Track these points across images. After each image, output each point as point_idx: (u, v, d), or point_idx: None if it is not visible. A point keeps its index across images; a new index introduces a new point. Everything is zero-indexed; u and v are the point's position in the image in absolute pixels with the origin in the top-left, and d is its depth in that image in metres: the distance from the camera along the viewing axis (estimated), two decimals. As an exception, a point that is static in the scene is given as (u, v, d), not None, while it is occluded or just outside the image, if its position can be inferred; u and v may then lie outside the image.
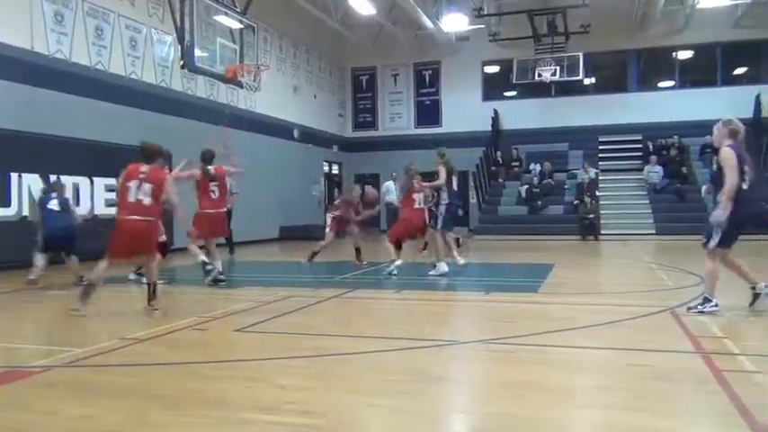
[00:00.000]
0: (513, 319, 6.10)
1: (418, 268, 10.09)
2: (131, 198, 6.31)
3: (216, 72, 12.83)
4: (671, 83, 22.65)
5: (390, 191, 19.23)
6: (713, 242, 5.99)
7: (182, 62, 12.03)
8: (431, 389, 3.86)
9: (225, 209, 8.93)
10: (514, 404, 3.49)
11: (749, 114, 20.26)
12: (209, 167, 8.58)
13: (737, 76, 22.14)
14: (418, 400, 3.60)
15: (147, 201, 6.29)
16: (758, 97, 20.24)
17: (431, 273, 9.35)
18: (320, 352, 4.68)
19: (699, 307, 5.97)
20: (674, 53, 22.33)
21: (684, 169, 19.83)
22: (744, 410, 3.25)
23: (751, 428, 3.03)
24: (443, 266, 9.36)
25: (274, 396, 3.66)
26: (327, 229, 11.35)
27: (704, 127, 20.28)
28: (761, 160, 19.39)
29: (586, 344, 4.97)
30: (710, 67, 22.08)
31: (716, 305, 5.93)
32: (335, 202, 12.14)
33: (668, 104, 21.55)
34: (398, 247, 9.73)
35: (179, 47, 12.21)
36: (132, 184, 6.32)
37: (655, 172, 19.83)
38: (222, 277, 8.47)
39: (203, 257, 8.47)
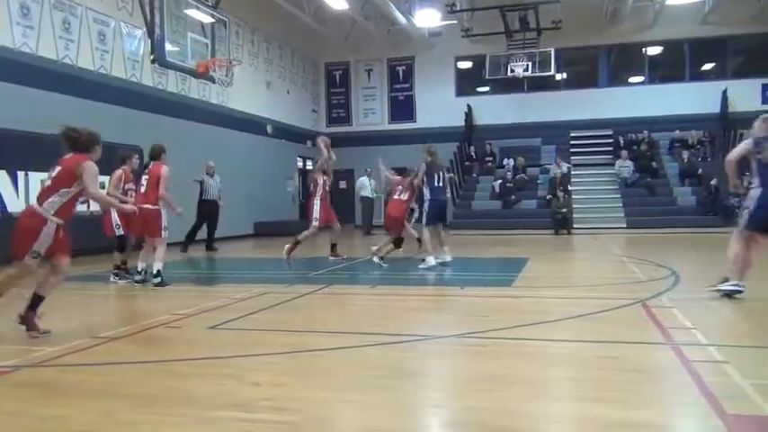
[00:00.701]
0: (488, 313, 6.13)
1: (394, 263, 10.09)
2: None
3: (187, 67, 12.69)
4: (641, 78, 22.95)
5: (365, 186, 19.27)
6: (741, 223, 6.39)
7: (152, 57, 11.87)
8: (405, 384, 3.86)
9: (153, 206, 8.10)
10: (488, 398, 3.51)
11: (716, 110, 20.69)
12: (151, 162, 8.31)
13: (705, 71, 22.52)
14: (393, 396, 3.60)
15: (40, 190, 5.40)
16: (725, 92, 20.63)
17: (420, 266, 9.51)
18: (295, 348, 4.66)
19: (718, 285, 6.30)
20: (643, 49, 22.62)
21: (654, 164, 20.14)
22: (713, 400, 3.30)
23: (720, 418, 3.08)
24: (431, 260, 9.53)
25: (248, 393, 3.64)
26: (316, 222, 10.97)
27: (673, 122, 20.89)
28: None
29: (560, 336, 5.01)
30: (679, 62, 22.43)
31: (736, 285, 6.20)
32: (314, 180, 11.39)
33: (638, 99, 21.85)
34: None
35: (149, 41, 12.05)
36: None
37: (626, 166, 20.10)
38: (138, 278, 8.24)
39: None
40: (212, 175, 14.07)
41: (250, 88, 19.33)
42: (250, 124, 19.35)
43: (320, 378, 3.96)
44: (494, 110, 22.95)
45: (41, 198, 5.16)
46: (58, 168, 5.23)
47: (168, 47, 11.93)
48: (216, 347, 4.93)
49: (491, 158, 21.95)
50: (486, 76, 20.81)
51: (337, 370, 4.15)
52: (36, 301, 5.20)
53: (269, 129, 20.62)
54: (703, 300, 6.50)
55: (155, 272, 8.06)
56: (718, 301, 6.26)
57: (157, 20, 11.44)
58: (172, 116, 15.29)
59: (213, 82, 13.90)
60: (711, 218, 17.32)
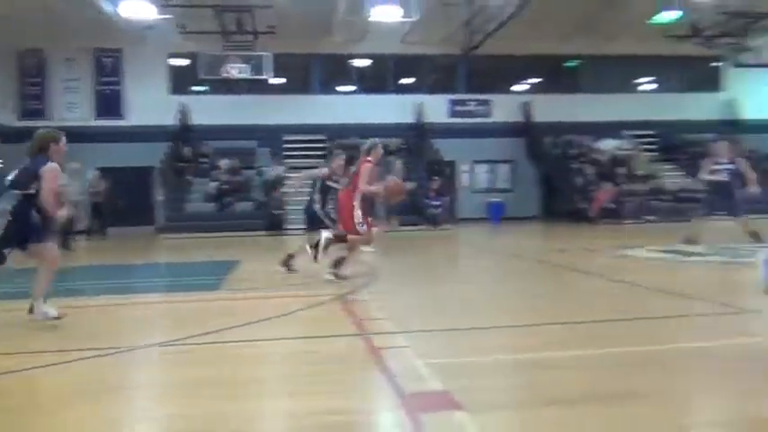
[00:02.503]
0: (194, 318, 6.05)
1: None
2: None
3: None
4: (351, 87, 24.47)
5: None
6: None
7: None
8: (109, 397, 3.67)
9: None
10: (197, 404, 3.50)
11: (413, 120, 23.01)
12: None
13: (405, 85, 24.82)
14: (96, 411, 3.41)
15: None
16: (420, 105, 23.00)
17: None
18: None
19: None
20: (353, 60, 24.16)
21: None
22: (394, 382, 3.70)
23: (401, 397, 3.47)
24: None
25: None
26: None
27: (380, 129, 22.58)
28: (422, 160, 22.07)
29: (265, 336, 5.15)
30: (383, 75, 24.43)
31: None
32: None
33: (348, 107, 23.23)
34: None
35: None
36: None
37: (335, 170, 21.26)
38: None
39: None
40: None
41: None
42: None
43: (15, 400, 3.58)
44: (210, 110, 22.52)
45: None
46: None
47: None
48: None
49: (206, 160, 21.55)
50: (201, 76, 20.39)
51: (40, 389, 3.80)
52: None
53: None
54: (396, 292, 7.19)
55: None
56: (408, 292, 6.96)
57: None
58: None
59: None
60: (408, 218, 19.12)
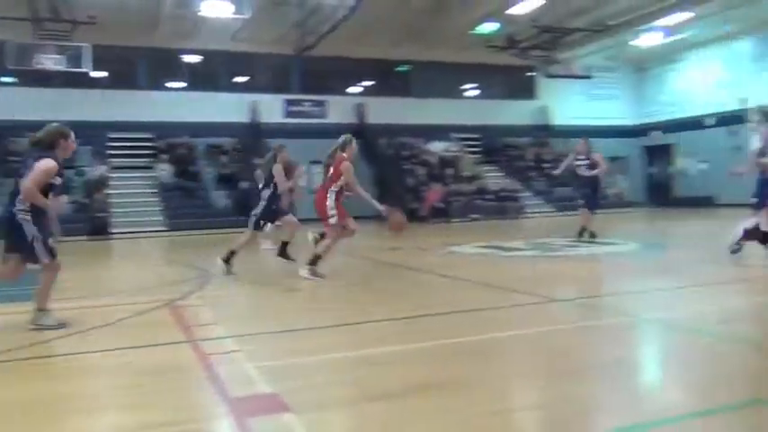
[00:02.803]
0: (5, 332, 5.54)
1: None
2: None
3: None
4: (181, 84, 23.53)
5: None
6: None
7: None
8: None
9: None
10: (11, 429, 3.22)
11: (247, 119, 22.66)
12: None
13: (238, 83, 24.34)
14: None
15: None
16: (254, 104, 22.69)
17: None
18: None
19: None
20: (183, 56, 23.27)
21: (193, 168, 20.94)
22: (222, 388, 3.64)
23: (227, 402, 3.43)
24: None
25: None
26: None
27: (211, 128, 22.02)
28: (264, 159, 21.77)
29: (87, 348, 4.82)
30: (215, 72, 23.81)
31: None
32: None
33: (178, 105, 22.33)
34: None
35: None
36: None
37: (164, 170, 20.41)
38: None
39: None
40: None
41: None
42: None
43: None
44: (21, 104, 20.53)
45: None
46: None
47: None
48: None
49: (16, 158, 19.65)
50: (9, 66, 18.57)
51: None
52: None
53: None
54: (228, 295, 7.05)
55: None
56: (240, 295, 6.85)
57: None
58: None
59: None
60: (243, 219, 18.82)
